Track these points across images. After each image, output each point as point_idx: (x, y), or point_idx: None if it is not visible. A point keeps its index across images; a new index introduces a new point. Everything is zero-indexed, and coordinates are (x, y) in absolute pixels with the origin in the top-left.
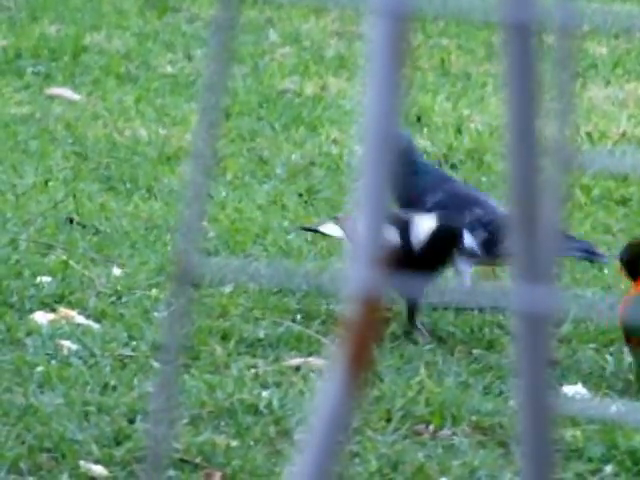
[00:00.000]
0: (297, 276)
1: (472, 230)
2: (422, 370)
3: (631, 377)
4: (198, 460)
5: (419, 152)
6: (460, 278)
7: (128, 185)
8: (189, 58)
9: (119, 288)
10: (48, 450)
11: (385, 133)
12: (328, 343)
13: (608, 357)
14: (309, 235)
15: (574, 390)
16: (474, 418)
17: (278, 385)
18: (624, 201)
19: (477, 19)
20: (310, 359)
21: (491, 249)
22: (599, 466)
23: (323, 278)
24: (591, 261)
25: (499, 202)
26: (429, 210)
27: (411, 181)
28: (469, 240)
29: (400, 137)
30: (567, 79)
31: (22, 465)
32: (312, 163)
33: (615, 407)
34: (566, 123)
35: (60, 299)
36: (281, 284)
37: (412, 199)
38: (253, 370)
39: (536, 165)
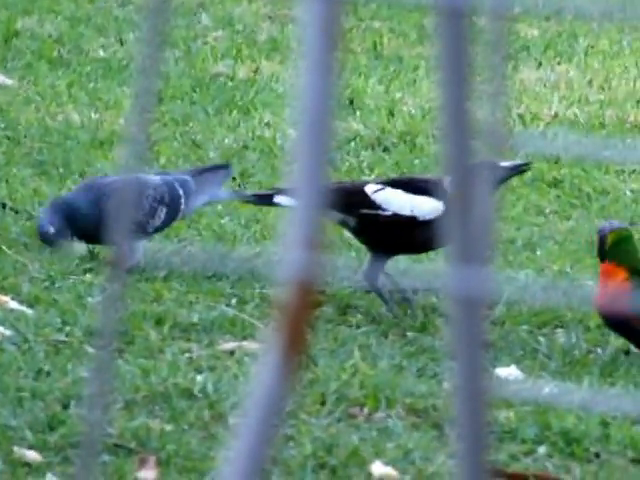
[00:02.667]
0: (231, 260)
1: (154, 211)
2: (356, 353)
3: (565, 359)
4: (132, 445)
5: None
6: (134, 252)
7: (61, 170)
8: (121, 42)
9: (52, 273)
10: None
11: (319, 116)
12: (262, 327)
13: (541, 339)
14: (243, 219)
15: (507, 372)
16: (408, 400)
17: (212, 369)
18: (556, 183)
19: (409, 2)
20: (244, 343)
21: (173, 218)
22: (532, 447)
23: (257, 262)
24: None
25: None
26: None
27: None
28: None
29: None
30: (499, 61)
31: None
32: (245, 147)
33: (548, 389)
34: (498, 105)
35: None
36: (215, 268)
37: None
38: (187, 354)
39: (469, 147)
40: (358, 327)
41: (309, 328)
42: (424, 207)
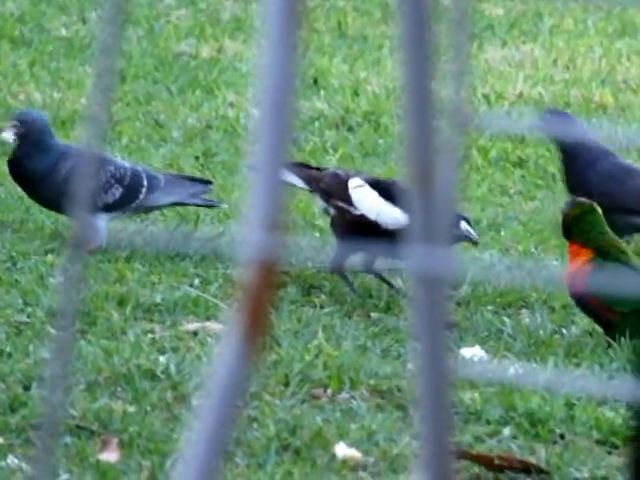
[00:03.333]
0: (194, 240)
1: (109, 187)
2: (320, 334)
3: (530, 339)
4: (94, 426)
5: (49, 130)
6: (97, 232)
7: None
8: (83, 21)
9: (14, 254)
10: None
11: (281, 95)
12: (226, 307)
13: (506, 319)
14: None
15: (472, 352)
16: (372, 381)
17: (175, 350)
18: (521, 163)
19: None
20: (207, 323)
21: (127, 202)
22: (497, 428)
23: (220, 242)
24: (207, 206)
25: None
26: (65, 177)
27: (47, 156)
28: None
29: (35, 117)
30: (463, 40)
31: None
32: (208, 126)
33: (513, 369)
34: (462, 84)
35: None
36: (178, 248)
37: (48, 170)
38: (150, 335)
39: (433, 127)
40: (322, 308)
41: (271, 309)
42: (389, 216)
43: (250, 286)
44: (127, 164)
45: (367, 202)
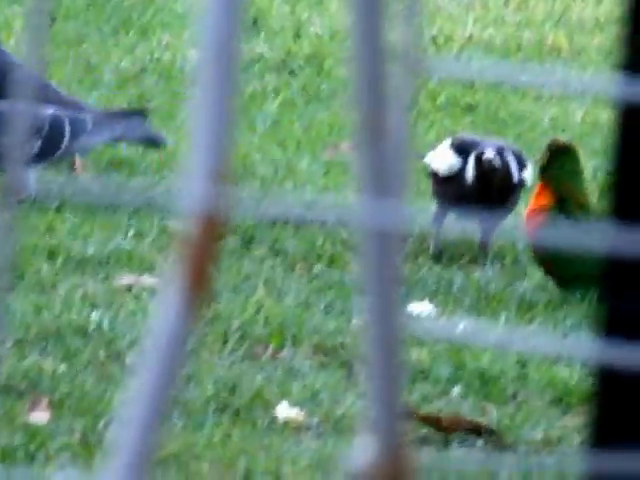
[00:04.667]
0: (128, 190)
1: (29, 138)
2: (260, 288)
3: (481, 294)
4: (23, 386)
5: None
6: (26, 184)
7: None
8: None
9: None
10: None
11: (225, 36)
12: (161, 261)
13: (456, 273)
14: (140, 146)
15: (420, 308)
16: (315, 338)
17: (108, 305)
18: (470, 108)
19: None
20: (142, 278)
21: (49, 152)
22: (446, 388)
23: (156, 192)
24: (152, 146)
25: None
26: None
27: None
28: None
29: None
30: None
31: None
32: (143, 70)
33: (463, 326)
34: (412, 26)
35: None
36: (111, 199)
37: None
38: (81, 290)
39: (381, 71)
40: (262, 261)
41: (213, 263)
42: (442, 161)
43: (192, 239)
44: (49, 112)
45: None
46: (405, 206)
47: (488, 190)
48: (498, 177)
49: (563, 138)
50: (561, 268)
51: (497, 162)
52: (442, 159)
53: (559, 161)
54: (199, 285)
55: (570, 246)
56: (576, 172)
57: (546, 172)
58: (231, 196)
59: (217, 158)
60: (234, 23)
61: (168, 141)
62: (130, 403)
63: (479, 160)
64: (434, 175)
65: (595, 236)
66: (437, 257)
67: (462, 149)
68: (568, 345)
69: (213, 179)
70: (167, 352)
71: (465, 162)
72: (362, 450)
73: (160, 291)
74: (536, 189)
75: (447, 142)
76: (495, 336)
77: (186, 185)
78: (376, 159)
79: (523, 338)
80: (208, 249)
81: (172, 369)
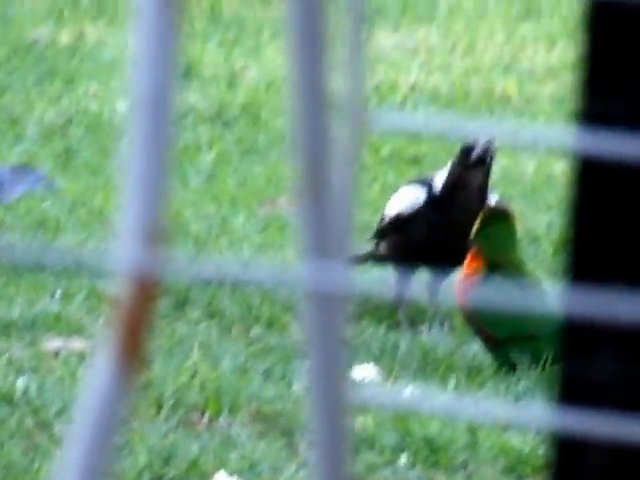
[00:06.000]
0: (55, 250)
1: None
2: (195, 352)
3: (428, 358)
4: None
5: None
6: None
7: None
8: None
9: None
10: None
11: (157, 86)
12: (91, 323)
13: (401, 336)
14: (67, 203)
15: (364, 372)
16: (254, 405)
17: (35, 371)
18: (416, 160)
19: None
20: (70, 341)
21: None
22: (393, 456)
23: (84, 251)
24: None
25: None
26: None
27: None
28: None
29: None
30: (357, 25)
31: None
32: (69, 121)
33: (409, 391)
34: (356, 75)
35: None
36: (37, 259)
37: None
38: (7, 355)
39: (323, 122)
40: (197, 323)
41: (147, 326)
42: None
43: (125, 303)
44: None
45: None
46: (348, 266)
47: (466, 191)
48: (483, 172)
49: (499, 205)
50: (493, 329)
51: (487, 153)
52: (402, 199)
53: (493, 227)
54: (132, 350)
55: (501, 307)
56: (510, 238)
57: (479, 238)
58: (164, 256)
59: (150, 216)
60: (169, 71)
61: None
62: (60, 475)
63: (466, 153)
64: (393, 223)
65: (527, 299)
66: (411, 323)
67: (423, 182)
68: (520, 411)
69: (146, 239)
70: (99, 420)
71: (430, 192)
72: None
73: (91, 356)
74: (469, 255)
75: (401, 188)
76: (443, 402)
77: (117, 245)
78: (318, 217)
79: (473, 404)
80: (143, 314)
81: (104, 438)
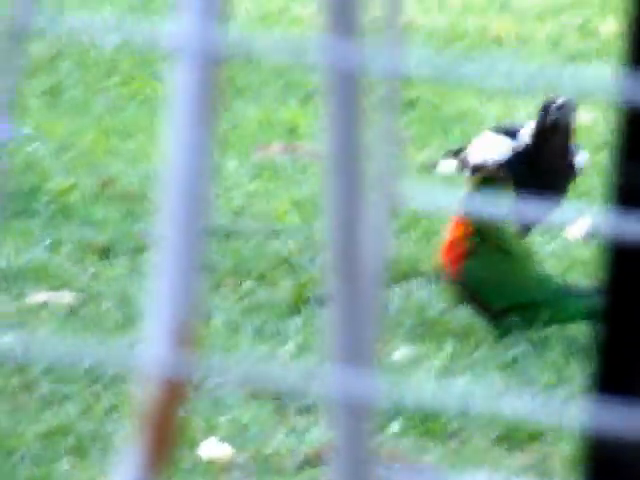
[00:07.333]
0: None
1: None
2: None
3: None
4: None
5: None
6: None
7: None
8: None
9: None
10: None
11: (191, 183)
12: (79, 276)
13: (394, 292)
14: (55, 146)
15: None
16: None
17: (21, 327)
18: (411, 104)
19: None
20: (59, 294)
21: None
22: (385, 424)
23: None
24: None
25: None
26: None
27: None
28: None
29: None
30: (392, 118)
31: None
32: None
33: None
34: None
35: None
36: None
37: None
38: None
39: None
40: None
41: (175, 430)
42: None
43: (153, 407)
44: None
45: None
46: (382, 377)
47: (550, 149)
48: (563, 130)
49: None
50: (488, 300)
51: (567, 111)
52: (487, 147)
53: (483, 191)
54: (159, 454)
55: (497, 275)
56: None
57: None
58: (194, 359)
59: (185, 321)
60: (202, 168)
61: None
62: None
63: (546, 109)
64: (477, 171)
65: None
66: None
67: (508, 132)
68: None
69: (180, 344)
70: None
71: (516, 143)
72: None
73: (123, 459)
74: (453, 221)
75: (484, 135)
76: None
77: (147, 348)
78: (351, 319)
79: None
80: (172, 417)
81: None
